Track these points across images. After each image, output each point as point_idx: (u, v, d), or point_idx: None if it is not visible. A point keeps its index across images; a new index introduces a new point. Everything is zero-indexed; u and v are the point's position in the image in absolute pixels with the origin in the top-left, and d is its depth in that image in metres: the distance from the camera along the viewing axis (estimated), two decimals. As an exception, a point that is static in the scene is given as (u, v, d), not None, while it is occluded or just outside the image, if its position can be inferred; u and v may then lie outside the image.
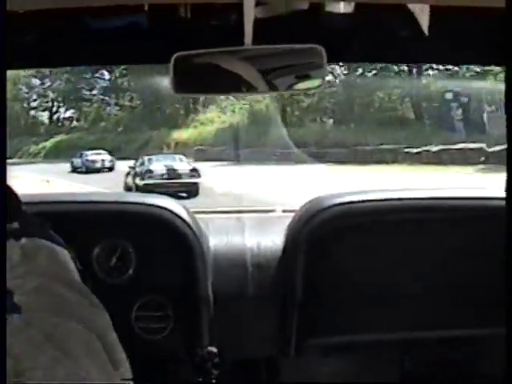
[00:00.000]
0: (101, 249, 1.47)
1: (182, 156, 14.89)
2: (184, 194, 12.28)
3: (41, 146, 21.85)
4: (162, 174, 13.48)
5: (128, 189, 13.92)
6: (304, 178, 9.41)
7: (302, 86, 1.14)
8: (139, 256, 1.48)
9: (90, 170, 19.60)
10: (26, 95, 22.20)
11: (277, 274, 1.51)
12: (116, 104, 21.46)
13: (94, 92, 21.57)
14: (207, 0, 1.04)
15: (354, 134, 14.62)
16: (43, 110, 22.83)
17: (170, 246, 1.49)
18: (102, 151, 20.56)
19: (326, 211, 1.48)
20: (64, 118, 22.60)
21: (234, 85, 1.13)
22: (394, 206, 1.51)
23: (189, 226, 1.48)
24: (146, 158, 14.94)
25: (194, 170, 13.56)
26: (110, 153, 20.29)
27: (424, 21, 1.07)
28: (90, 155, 20.56)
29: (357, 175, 10.33)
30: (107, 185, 12.28)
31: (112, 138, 20.51)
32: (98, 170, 19.36)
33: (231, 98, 14.64)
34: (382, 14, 1.07)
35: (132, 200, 1.58)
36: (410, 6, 1.00)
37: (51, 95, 22.23)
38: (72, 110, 22.77)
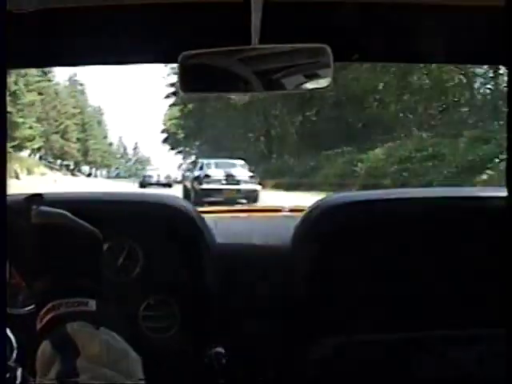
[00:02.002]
0: (108, 248, 1.47)
1: (242, 162, 14.65)
2: (243, 201, 12.26)
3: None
4: (220, 180, 13.40)
5: (186, 192, 14.13)
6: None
7: (309, 85, 1.14)
8: (146, 255, 1.48)
9: (145, 184, 20.95)
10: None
11: (284, 274, 1.50)
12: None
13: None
14: None
15: None
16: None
17: (177, 245, 1.49)
18: (158, 167, 21.38)
19: (334, 211, 1.48)
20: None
21: (242, 84, 1.13)
22: (404, 206, 1.51)
23: (196, 225, 1.48)
24: (205, 161, 14.97)
25: (253, 176, 13.55)
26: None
27: (431, 20, 1.07)
28: (148, 171, 21.91)
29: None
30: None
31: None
32: (152, 185, 20.55)
33: None
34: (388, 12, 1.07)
35: (139, 199, 1.58)
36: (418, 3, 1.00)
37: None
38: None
